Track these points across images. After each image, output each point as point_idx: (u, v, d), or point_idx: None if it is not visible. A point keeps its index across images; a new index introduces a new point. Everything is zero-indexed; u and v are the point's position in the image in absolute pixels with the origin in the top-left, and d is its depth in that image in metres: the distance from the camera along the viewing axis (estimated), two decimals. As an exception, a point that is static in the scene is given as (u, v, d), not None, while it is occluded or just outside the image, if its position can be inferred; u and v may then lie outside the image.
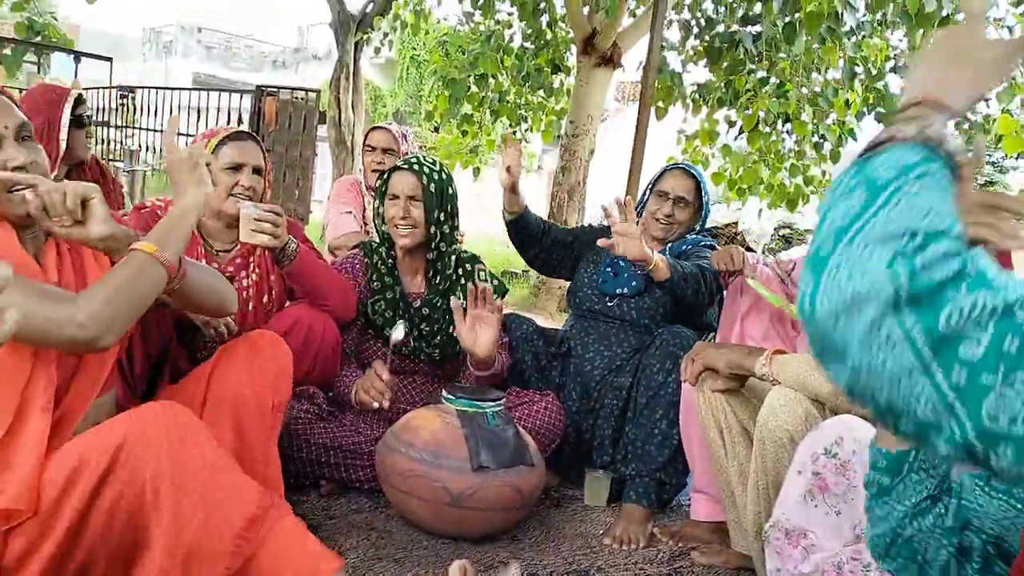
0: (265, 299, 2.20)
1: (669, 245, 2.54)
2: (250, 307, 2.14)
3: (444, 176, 2.32)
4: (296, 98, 6.50)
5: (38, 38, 6.00)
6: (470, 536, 1.94)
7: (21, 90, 2.93)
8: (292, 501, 2.02)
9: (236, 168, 2.08)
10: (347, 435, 2.15)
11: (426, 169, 2.27)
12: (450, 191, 2.31)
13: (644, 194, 2.62)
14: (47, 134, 2.80)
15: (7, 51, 5.64)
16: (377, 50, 8.05)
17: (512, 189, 2.45)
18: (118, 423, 1.32)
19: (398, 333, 2.07)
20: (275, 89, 6.51)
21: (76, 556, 1.27)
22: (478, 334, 2.12)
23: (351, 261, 2.39)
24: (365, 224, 2.97)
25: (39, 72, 5.57)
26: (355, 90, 8.42)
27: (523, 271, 7.96)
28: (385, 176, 2.34)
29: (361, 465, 2.14)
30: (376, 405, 2.03)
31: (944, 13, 5.28)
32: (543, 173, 12.97)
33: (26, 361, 1.27)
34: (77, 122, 2.72)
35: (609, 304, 2.49)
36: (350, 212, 2.94)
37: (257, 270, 2.18)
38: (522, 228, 2.56)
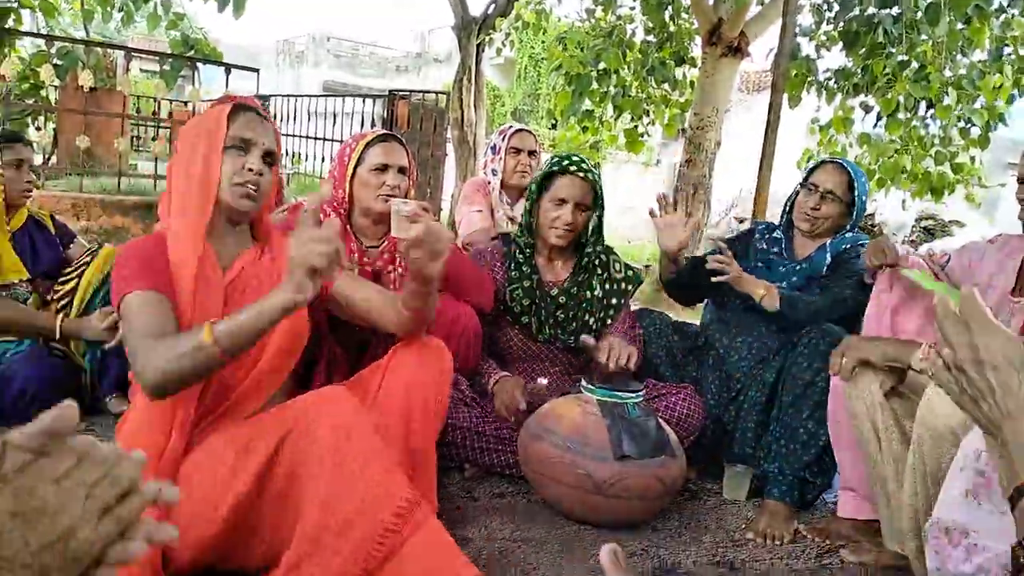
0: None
1: (829, 242, 2.46)
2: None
3: (600, 177, 2.36)
4: (425, 101, 6.70)
5: (191, 52, 6.48)
6: (611, 524, 1.96)
7: (184, 103, 3.18)
8: (439, 482, 2.13)
9: (382, 169, 2.18)
10: (489, 421, 2.22)
11: (591, 176, 2.30)
12: (603, 193, 2.36)
13: (795, 189, 2.56)
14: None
15: (167, 66, 6.12)
16: (499, 51, 8.16)
17: (674, 260, 2.47)
18: (288, 409, 1.46)
19: (541, 385, 2.21)
20: (406, 93, 6.74)
21: (240, 529, 1.41)
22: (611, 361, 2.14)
23: (490, 251, 2.46)
24: (494, 223, 3.05)
25: (193, 84, 6.01)
26: (477, 91, 8.58)
27: (645, 266, 7.89)
28: (547, 174, 2.33)
29: (503, 450, 2.21)
30: (511, 421, 2.17)
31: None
32: (661, 167, 12.79)
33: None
34: None
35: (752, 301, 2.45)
36: (480, 211, 3.03)
37: (403, 264, 2.28)
38: (681, 282, 2.56)
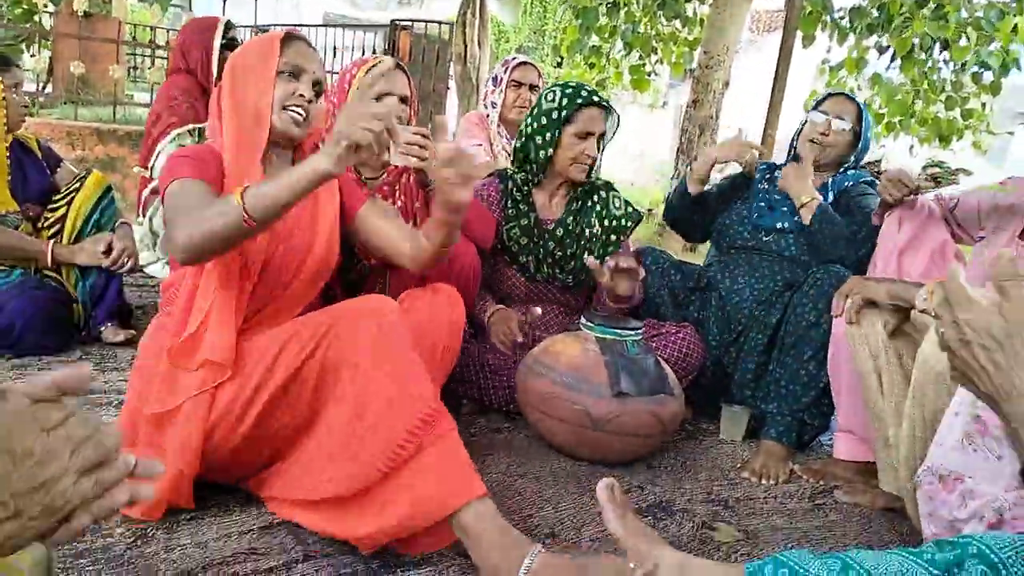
0: (410, 224, 2.26)
1: (832, 178, 2.42)
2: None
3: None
4: (428, 32, 6.53)
5: (186, -22, 6.31)
6: (608, 460, 1.96)
7: (169, 30, 3.09)
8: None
9: (383, 96, 2.11)
10: (487, 356, 2.21)
11: (611, 108, 2.27)
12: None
13: (801, 124, 2.50)
14: (204, 63, 2.95)
15: (161, -7, 5.94)
16: (504, -17, 7.93)
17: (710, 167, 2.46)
18: (329, 312, 1.49)
19: (534, 313, 2.16)
20: (408, 23, 6.55)
21: (273, 414, 1.45)
22: (618, 282, 2.09)
23: (487, 188, 2.41)
24: (495, 156, 2.98)
25: (190, 9, 5.84)
26: (481, 25, 8.36)
27: (648, 210, 7.82)
28: (569, 107, 2.25)
29: (500, 387, 2.20)
30: (508, 352, 2.16)
31: None
32: (668, 108, 12.57)
33: (215, 274, 1.48)
34: (229, 46, 2.85)
35: (765, 239, 2.41)
36: (480, 145, 2.96)
37: (403, 197, 2.24)
38: (700, 203, 2.53)
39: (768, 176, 2.53)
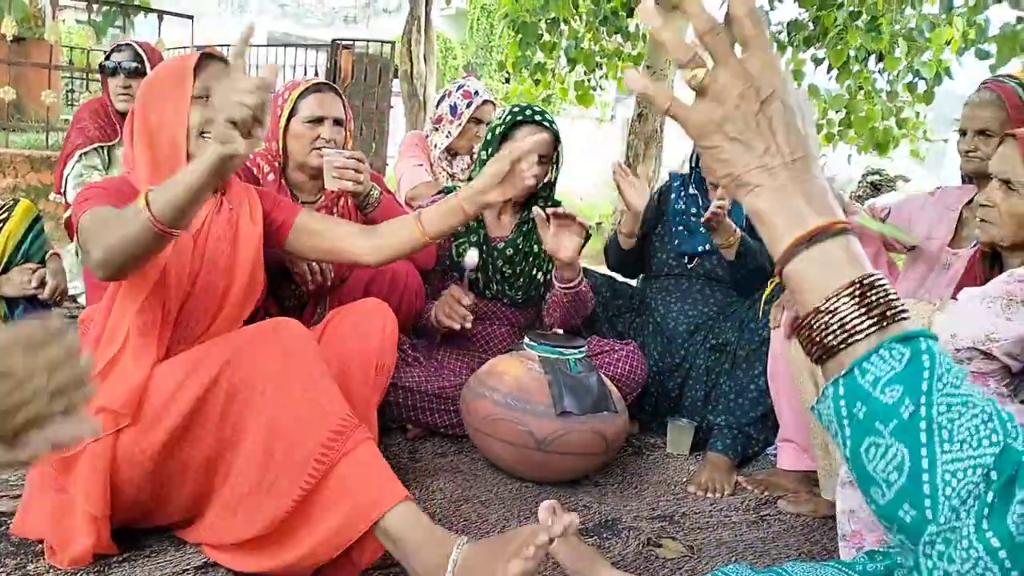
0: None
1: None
2: (334, 255, 2.17)
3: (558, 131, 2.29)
4: (371, 51, 6.50)
5: (122, 1, 6.17)
6: (553, 480, 1.95)
7: (117, 46, 3.03)
8: (380, 444, 2.10)
9: (317, 121, 2.09)
10: (432, 380, 2.18)
11: (555, 127, 2.23)
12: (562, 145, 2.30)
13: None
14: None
15: (98, 17, 5.81)
16: (448, 1, 7.95)
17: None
18: (233, 336, 1.45)
19: (471, 259, 2.07)
20: (350, 42, 6.52)
21: (180, 448, 1.39)
22: (561, 240, 2.07)
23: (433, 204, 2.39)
24: (435, 177, 2.96)
25: (124, 33, 5.73)
26: (427, 42, 8.37)
27: (597, 223, 7.88)
28: (508, 124, 2.22)
29: (446, 410, 2.17)
30: (458, 326, 2.08)
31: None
32: (616, 123, 12.70)
33: (137, 298, 1.41)
34: (136, 72, 2.82)
35: (690, 265, 2.44)
36: (421, 165, 2.93)
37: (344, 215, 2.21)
38: (637, 251, 2.53)
39: (683, 193, 2.53)
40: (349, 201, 2.19)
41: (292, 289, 2.13)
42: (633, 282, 2.71)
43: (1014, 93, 2.06)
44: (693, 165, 2.53)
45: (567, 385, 1.92)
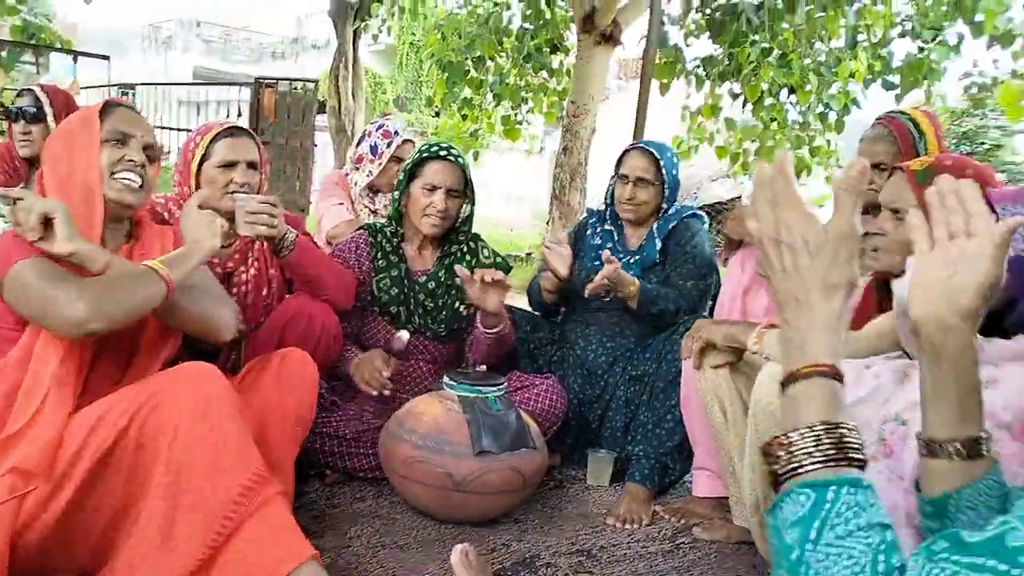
0: (265, 292, 2.21)
1: (655, 226, 2.51)
2: (249, 301, 2.15)
3: (468, 165, 2.34)
4: (294, 89, 6.48)
5: (33, 40, 6.01)
6: (473, 520, 1.95)
7: (19, 91, 2.95)
8: (298, 491, 2.06)
9: (230, 165, 2.07)
10: (350, 424, 2.17)
11: (462, 161, 2.28)
12: (471, 179, 2.34)
13: (611, 181, 2.60)
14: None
15: (3, 53, 5.65)
16: (375, 37, 8.02)
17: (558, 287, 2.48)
18: (145, 384, 1.42)
19: (402, 339, 2.11)
20: (273, 80, 6.49)
21: (88, 501, 1.35)
22: (488, 295, 2.13)
23: (355, 241, 2.39)
24: (356, 215, 2.97)
25: (38, 73, 5.58)
26: (355, 78, 8.40)
27: (527, 254, 7.96)
28: (417, 160, 2.27)
29: (364, 454, 2.16)
30: (375, 394, 2.08)
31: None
32: (545, 155, 12.91)
33: (59, 348, 1.39)
34: (14, 115, 2.78)
35: (606, 298, 2.50)
36: (342, 204, 2.94)
37: (256, 264, 2.19)
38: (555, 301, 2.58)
39: (599, 229, 2.60)
40: (265, 245, 2.17)
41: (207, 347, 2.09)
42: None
43: (905, 128, 2.16)
44: (608, 202, 2.60)
45: (486, 424, 1.93)
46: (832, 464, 0.66)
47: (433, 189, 2.24)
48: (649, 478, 2.19)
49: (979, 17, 5.49)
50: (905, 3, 6.34)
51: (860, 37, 6.21)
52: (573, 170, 6.36)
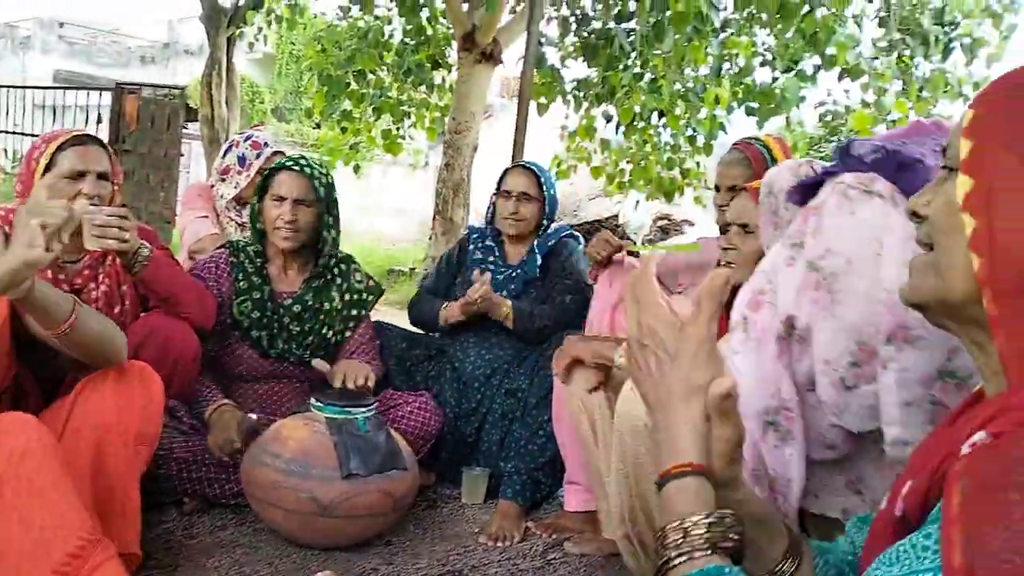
0: (117, 310, 2.07)
1: (536, 243, 2.57)
2: (99, 320, 2.01)
3: (331, 179, 2.28)
4: (159, 95, 6.18)
5: None
6: (341, 545, 1.90)
7: None
8: (153, 521, 1.95)
9: (78, 176, 1.94)
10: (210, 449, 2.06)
11: (316, 172, 2.21)
12: (335, 194, 2.28)
13: (492, 199, 2.65)
14: None
15: None
16: (251, 45, 7.76)
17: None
18: None
19: (251, 423, 2.06)
20: (136, 87, 6.16)
21: None
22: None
23: (214, 260, 2.29)
24: (221, 229, 2.85)
25: None
26: (229, 86, 8.09)
27: (410, 269, 7.90)
28: (267, 173, 2.25)
29: (227, 479, 2.06)
30: (225, 457, 2.03)
31: (807, 8, 5.58)
32: (429, 169, 12.88)
33: None
34: None
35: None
36: (206, 216, 2.82)
37: (107, 280, 2.05)
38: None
39: (480, 244, 2.64)
40: (116, 261, 2.04)
41: (51, 357, 1.95)
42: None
43: (759, 153, 2.30)
44: (490, 219, 2.63)
45: (354, 446, 1.88)
46: (699, 556, 0.68)
47: (280, 200, 2.19)
48: (521, 494, 2.19)
49: (831, 50, 5.91)
50: (768, 35, 6.76)
51: (726, 66, 6.56)
52: (456, 186, 6.36)
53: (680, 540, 0.69)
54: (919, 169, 1.21)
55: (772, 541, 0.85)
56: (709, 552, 0.68)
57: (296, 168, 2.19)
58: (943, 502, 0.55)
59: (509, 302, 2.38)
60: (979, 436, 0.58)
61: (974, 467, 0.55)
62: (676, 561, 0.68)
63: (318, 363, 2.12)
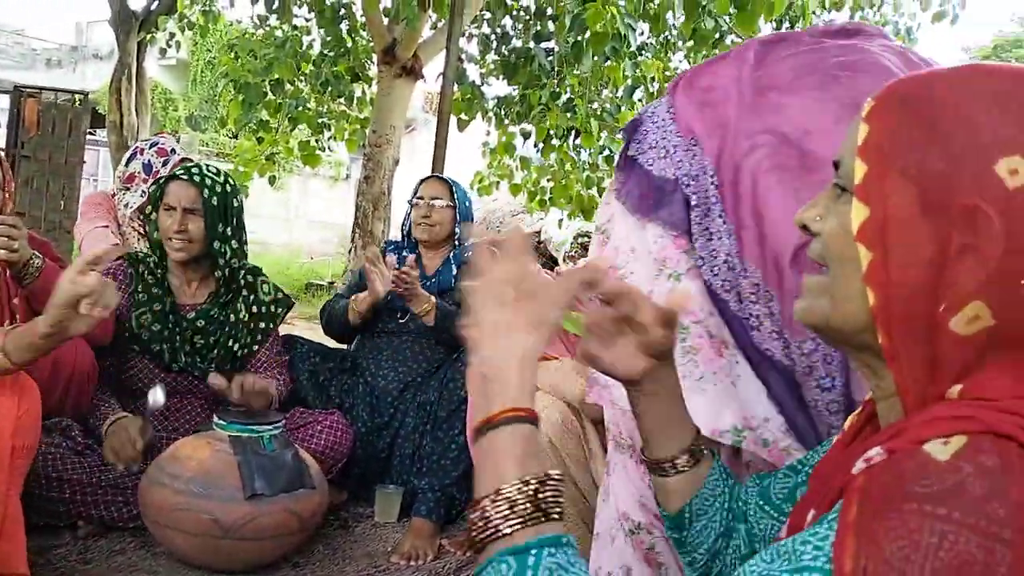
0: (7, 324, 1.96)
1: (452, 254, 2.58)
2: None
3: (229, 188, 2.19)
4: (61, 100, 5.90)
5: None
6: (246, 569, 1.84)
7: None
8: (45, 546, 1.85)
9: None
10: (107, 470, 1.97)
11: (208, 180, 2.14)
12: (235, 203, 2.21)
13: (408, 210, 2.66)
14: None
15: None
16: (163, 51, 7.54)
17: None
18: None
19: (157, 397, 1.97)
20: (36, 90, 5.87)
21: None
22: (250, 399, 2.01)
23: (111, 272, 2.19)
24: (123, 239, 2.74)
25: None
26: (139, 92, 7.82)
27: (329, 283, 7.76)
28: (161, 183, 2.18)
29: (124, 502, 1.96)
30: (122, 468, 1.95)
31: (718, 35, 5.78)
32: (351, 182, 12.74)
33: None
34: None
35: (401, 321, 2.48)
36: (106, 226, 2.70)
37: (11, 297, 1.94)
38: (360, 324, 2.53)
39: (398, 255, 2.63)
40: (6, 272, 1.94)
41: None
42: (344, 345, 2.69)
43: None
44: (406, 232, 2.64)
45: (258, 465, 1.83)
46: (531, 523, 0.62)
47: (171, 209, 2.13)
48: (435, 511, 2.17)
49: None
50: (681, 60, 6.98)
51: (638, 91, 6.72)
52: (376, 199, 6.32)
53: (506, 510, 0.62)
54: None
55: (675, 436, 0.91)
56: (544, 519, 0.63)
57: (185, 177, 2.13)
58: (841, 510, 0.55)
59: (432, 298, 2.36)
60: (874, 451, 0.58)
61: (871, 479, 0.55)
62: (505, 531, 0.62)
63: (214, 378, 2.03)
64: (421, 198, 2.58)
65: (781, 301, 1.16)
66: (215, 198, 2.13)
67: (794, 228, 0.73)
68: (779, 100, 1.23)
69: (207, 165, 2.22)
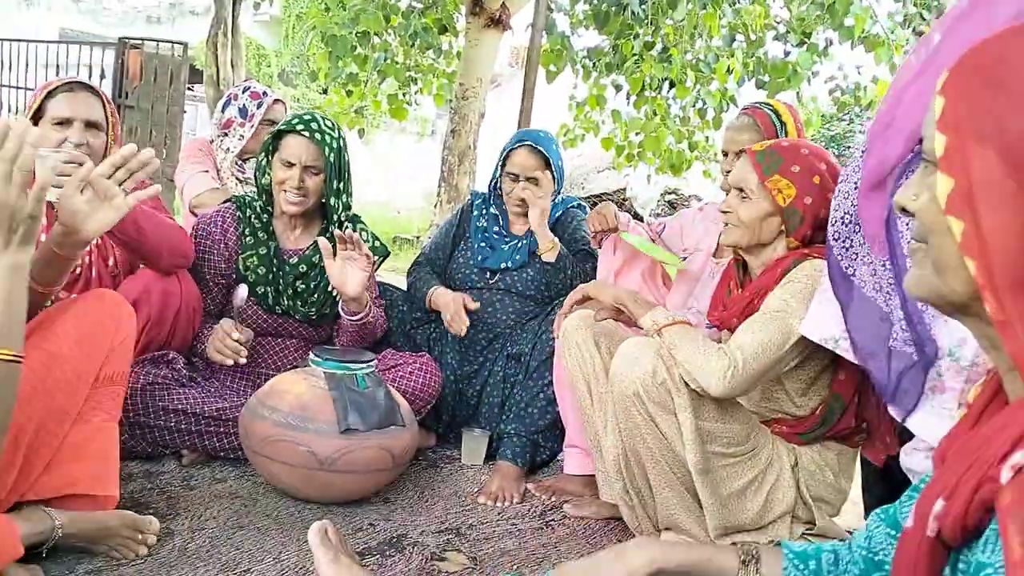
0: (111, 262, 2.05)
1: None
2: (94, 273, 1.99)
3: (342, 142, 2.19)
4: (163, 50, 6.09)
5: None
6: (339, 500, 1.89)
7: None
8: (151, 472, 1.95)
9: (65, 123, 1.90)
10: (210, 401, 2.04)
11: (327, 138, 2.12)
12: (346, 157, 2.21)
13: (496, 170, 2.55)
14: None
15: None
16: (257, 5, 7.65)
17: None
18: None
19: (240, 296, 2.03)
20: (139, 41, 6.07)
21: None
22: (348, 274, 2.04)
23: (220, 215, 2.24)
24: (223, 184, 2.80)
25: None
26: (235, 47, 7.98)
27: (416, 237, 7.86)
28: (276, 133, 2.16)
29: (226, 433, 2.04)
30: (230, 363, 2.02)
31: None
32: (436, 137, 12.79)
33: None
34: None
35: (492, 280, 2.47)
36: (207, 171, 2.77)
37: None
38: None
39: (484, 212, 2.58)
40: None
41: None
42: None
43: (768, 118, 2.26)
44: (493, 186, 2.57)
45: (352, 401, 1.87)
46: None
47: (289, 165, 2.13)
48: (520, 456, 2.18)
49: (849, 21, 5.80)
50: (781, 7, 6.64)
51: (738, 36, 6.45)
52: (462, 153, 6.31)
53: None
54: None
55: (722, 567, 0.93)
56: None
57: (306, 134, 2.11)
58: (1003, 547, 0.53)
59: (556, 240, 2.37)
60: (1018, 458, 0.56)
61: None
62: None
63: (321, 241, 2.04)
64: (515, 175, 2.43)
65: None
66: (333, 155, 2.14)
67: None
68: None
69: (323, 118, 2.18)
